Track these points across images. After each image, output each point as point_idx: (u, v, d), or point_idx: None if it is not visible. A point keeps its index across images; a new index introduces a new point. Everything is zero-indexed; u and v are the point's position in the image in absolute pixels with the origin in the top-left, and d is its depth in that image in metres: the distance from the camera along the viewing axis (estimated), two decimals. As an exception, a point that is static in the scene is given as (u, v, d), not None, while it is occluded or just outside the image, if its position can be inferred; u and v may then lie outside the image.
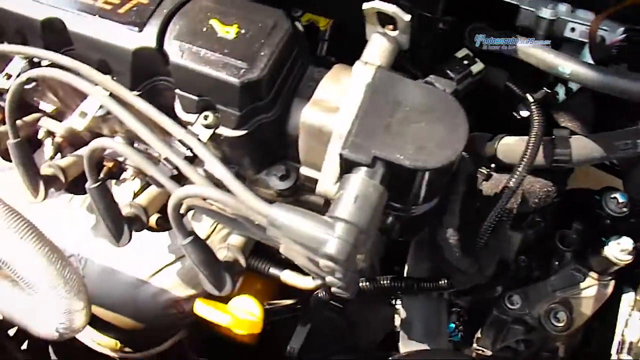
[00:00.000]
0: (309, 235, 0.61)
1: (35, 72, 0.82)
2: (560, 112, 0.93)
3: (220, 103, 0.75)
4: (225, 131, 0.77)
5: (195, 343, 1.21)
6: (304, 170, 0.80)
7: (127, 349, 1.11)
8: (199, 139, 0.74)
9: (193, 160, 0.77)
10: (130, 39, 0.77)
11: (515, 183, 0.77)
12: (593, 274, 1.01)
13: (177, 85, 0.77)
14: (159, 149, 0.74)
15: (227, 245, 0.84)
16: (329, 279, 0.69)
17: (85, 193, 1.02)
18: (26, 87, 0.86)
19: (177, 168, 0.74)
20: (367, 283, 0.89)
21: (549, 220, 1.06)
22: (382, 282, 0.89)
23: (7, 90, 0.90)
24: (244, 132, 0.77)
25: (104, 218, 0.83)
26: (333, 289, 0.72)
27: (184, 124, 0.77)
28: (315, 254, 0.62)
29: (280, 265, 1.03)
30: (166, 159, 0.74)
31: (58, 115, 1.07)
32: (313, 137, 0.75)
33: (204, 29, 0.75)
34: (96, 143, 0.75)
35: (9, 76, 0.89)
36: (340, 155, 0.64)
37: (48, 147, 1.07)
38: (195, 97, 0.76)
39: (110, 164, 1.01)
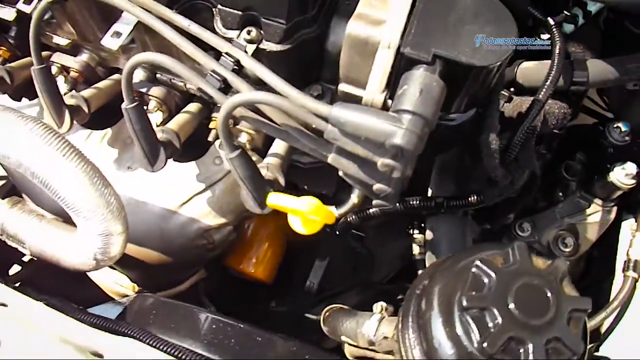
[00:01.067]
0: (375, 129, 0.63)
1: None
2: (570, 42, 0.99)
3: (266, 16, 0.76)
4: (269, 45, 0.78)
5: (209, 287, 1.22)
6: (344, 87, 0.82)
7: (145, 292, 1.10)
8: (246, 51, 0.75)
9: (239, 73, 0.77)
10: (171, -48, 0.77)
11: (544, 97, 0.83)
12: (597, 201, 1.09)
13: (220, 0, 0.78)
14: (204, 62, 0.74)
15: (266, 165, 0.85)
16: (377, 186, 0.72)
17: (102, 128, 1.02)
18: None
19: (224, 81, 0.74)
20: (398, 204, 0.93)
21: (554, 152, 1.12)
22: (412, 202, 0.92)
23: (27, 15, 0.89)
24: (288, 46, 0.79)
25: (140, 140, 0.83)
26: (375, 202, 0.75)
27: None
28: (378, 149, 0.65)
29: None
30: (213, 71, 0.74)
31: (72, 50, 1.04)
32: (357, 50, 0.77)
33: (247, -58, 0.76)
34: (138, 58, 0.75)
35: (29, 0, 0.87)
36: (402, 54, 0.67)
37: (61, 84, 1.05)
38: (239, 12, 0.77)
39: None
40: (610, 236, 1.12)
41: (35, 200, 1.01)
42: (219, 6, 0.78)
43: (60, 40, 1.04)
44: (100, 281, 1.15)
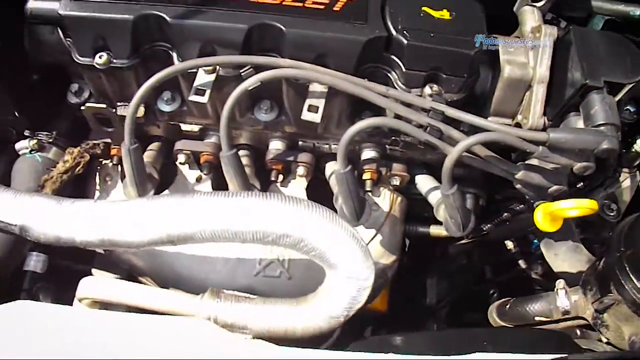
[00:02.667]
0: (588, 141, 0.85)
1: (266, 75, 0.89)
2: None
3: (448, 73, 0.94)
4: (450, 96, 0.96)
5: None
6: (493, 119, 1.03)
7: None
8: (444, 105, 0.92)
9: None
10: (359, 31, 0.91)
11: None
12: (625, 170, 1.42)
13: (407, 64, 0.93)
14: (417, 118, 0.90)
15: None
16: (555, 187, 0.95)
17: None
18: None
19: (439, 130, 0.89)
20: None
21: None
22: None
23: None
24: (464, 94, 0.97)
25: (353, 199, 0.94)
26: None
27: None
28: (577, 157, 0.87)
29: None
30: (429, 125, 0.89)
31: (201, 135, 1.10)
32: (511, 88, 0.99)
33: (421, 15, 0.94)
34: (365, 123, 0.87)
35: (202, 91, 0.93)
36: (585, 84, 0.89)
37: (189, 172, 1.09)
38: (423, 72, 0.94)
39: (279, 167, 1.08)
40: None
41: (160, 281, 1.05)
42: (404, 69, 0.93)
43: (190, 127, 1.09)
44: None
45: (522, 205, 1.16)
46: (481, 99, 1.03)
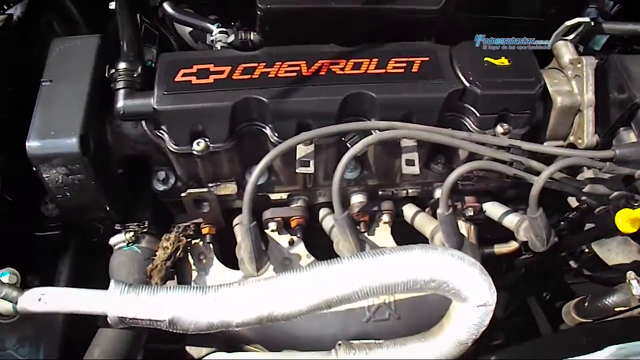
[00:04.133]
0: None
1: (372, 139, 1.00)
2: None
3: (516, 112, 1.09)
4: (517, 132, 1.11)
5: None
6: (549, 143, 1.19)
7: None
8: (520, 140, 1.06)
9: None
10: (440, 88, 1.04)
11: None
12: None
13: (481, 110, 1.07)
14: (502, 156, 1.04)
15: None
16: (617, 193, 1.12)
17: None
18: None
19: (521, 163, 1.03)
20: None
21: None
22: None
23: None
24: (528, 128, 1.12)
25: (455, 234, 1.06)
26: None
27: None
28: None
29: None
30: (514, 161, 1.03)
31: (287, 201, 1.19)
32: (564, 114, 1.15)
33: (485, 65, 1.08)
34: (470, 166, 1.00)
35: (306, 162, 1.03)
36: (635, 102, 1.06)
37: (279, 237, 1.17)
38: (494, 115, 1.08)
39: (366, 218, 1.18)
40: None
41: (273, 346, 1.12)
42: (479, 115, 1.07)
43: (279, 195, 1.17)
44: None
45: (574, 213, 1.32)
46: (537, 128, 1.18)
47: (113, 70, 1.04)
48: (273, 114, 1.02)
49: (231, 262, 1.15)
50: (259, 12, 1.04)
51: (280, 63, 1.04)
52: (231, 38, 1.10)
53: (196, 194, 1.06)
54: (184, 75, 1.02)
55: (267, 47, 1.08)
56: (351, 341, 1.05)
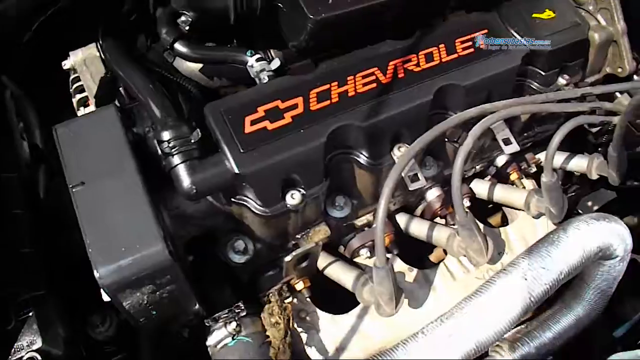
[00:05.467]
0: None
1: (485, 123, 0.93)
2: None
3: (573, 60, 1.09)
4: (575, 79, 1.11)
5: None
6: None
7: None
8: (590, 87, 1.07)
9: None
10: (512, 58, 1.00)
11: None
12: None
13: (546, 68, 1.06)
14: (581, 107, 1.03)
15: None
16: None
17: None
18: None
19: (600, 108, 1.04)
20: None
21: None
22: None
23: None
24: (582, 73, 1.14)
25: (562, 199, 1.05)
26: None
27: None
28: None
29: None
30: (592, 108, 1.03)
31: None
32: (602, 49, 1.17)
33: (537, 21, 1.06)
34: (571, 124, 0.98)
35: (416, 177, 0.94)
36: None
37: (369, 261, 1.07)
38: (557, 69, 1.08)
39: (450, 210, 1.13)
40: None
41: None
42: (544, 73, 1.06)
43: (365, 218, 1.07)
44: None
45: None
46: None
47: (170, 145, 0.83)
48: (367, 135, 0.90)
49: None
50: (309, 25, 0.89)
51: (352, 77, 0.92)
52: (275, 64, 0.93)
53: (302, 253, 0.92)
54: (253, 123, 0.86)
55: (324, 63, 0.94)
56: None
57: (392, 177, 0.86)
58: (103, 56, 0.99)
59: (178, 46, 0.94)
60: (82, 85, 1.09)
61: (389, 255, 1.09)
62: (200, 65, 1.02)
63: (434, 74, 0.94)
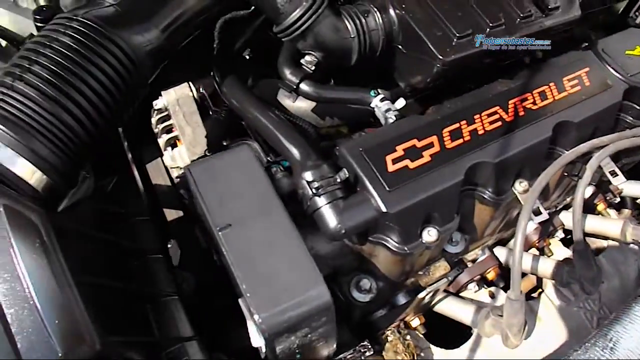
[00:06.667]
0: None
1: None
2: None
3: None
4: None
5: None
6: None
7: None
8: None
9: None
10: (614, 94, 1.06)
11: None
12: None
13: (640, 101, 1.12)
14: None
15: None
16: None
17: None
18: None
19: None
20: None
21: None
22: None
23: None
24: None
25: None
26: None
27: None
28: None
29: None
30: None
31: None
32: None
33: (630, 58, 1.13)
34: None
35: (538, 212, 0.98)
36: None
37: (476, 295, 1.11)
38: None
39: (547, 242, 1.18)
40: None
41: None
42: (638, 107, 1.12)
43: (474, 252, 1.10)
44: None
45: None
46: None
47: (314, 186, 0.84)
48: (496, 172, 0.94)
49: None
50: (437, 66, 0.94)
51: (478, 116, 0.96)
52: (400, 103, 0.96)
53: (434, 289, 0.94)
54: (395, 161, 0.88)
55: (448, 102, 0.98)
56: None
57: (527, 210, 0.91)
58: (221, 93, 1.01)
59: (303, 86, 0.96)
60: (171, 125, 1.11)
61: (492, 289, 1.13)
62: (312, 104, 1.04)
63: (549, 111, 0.99)
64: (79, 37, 0.81)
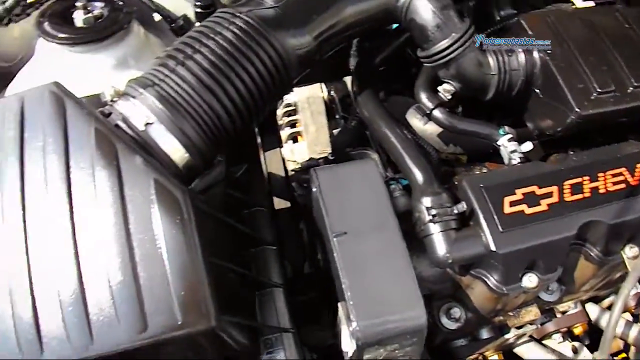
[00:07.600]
0: None
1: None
2: None
3: None
4: None
5: None
6: None
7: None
8: None
9: None
10: None
11: None
12: None
13: None
14: None
15: None
16: None
17: None
18: None
19: None
20: None
21: None
22: None
23: None
24: None
25: None
26: None
27: None
28: None
29: None
30: None
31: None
32: None
33: None
34: None
35: None
36: None
37: (560, 346, 1.12)
38: None
39: None
40: None
41: None
42: None
43: (567, 304, 1.11)
44: None
45: None
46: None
47: (431, 213, 0.89)
48: (609, 233, 0.95)
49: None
50: (573, 117, 0.96)
51: (603, 174, 0.96)
52: (527, 147, 0.99)
53: (526, 333, 0.97)
54: (512, 204, 0.91)
55: (574, 156, 0.99)
56: None
57: (634, 277, 0.91)
58: (354, 101, 1.08)
59: (437, 113, 1.01)
60: (296, 120, 1.18)
61: (576, 344, 1.14)
62: (439, 129, 1.09)
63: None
64: (240, 34, 0.88)
